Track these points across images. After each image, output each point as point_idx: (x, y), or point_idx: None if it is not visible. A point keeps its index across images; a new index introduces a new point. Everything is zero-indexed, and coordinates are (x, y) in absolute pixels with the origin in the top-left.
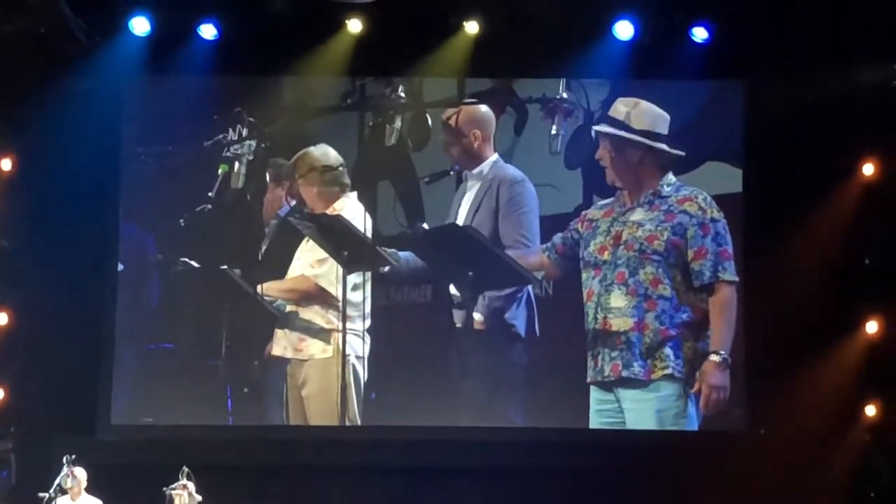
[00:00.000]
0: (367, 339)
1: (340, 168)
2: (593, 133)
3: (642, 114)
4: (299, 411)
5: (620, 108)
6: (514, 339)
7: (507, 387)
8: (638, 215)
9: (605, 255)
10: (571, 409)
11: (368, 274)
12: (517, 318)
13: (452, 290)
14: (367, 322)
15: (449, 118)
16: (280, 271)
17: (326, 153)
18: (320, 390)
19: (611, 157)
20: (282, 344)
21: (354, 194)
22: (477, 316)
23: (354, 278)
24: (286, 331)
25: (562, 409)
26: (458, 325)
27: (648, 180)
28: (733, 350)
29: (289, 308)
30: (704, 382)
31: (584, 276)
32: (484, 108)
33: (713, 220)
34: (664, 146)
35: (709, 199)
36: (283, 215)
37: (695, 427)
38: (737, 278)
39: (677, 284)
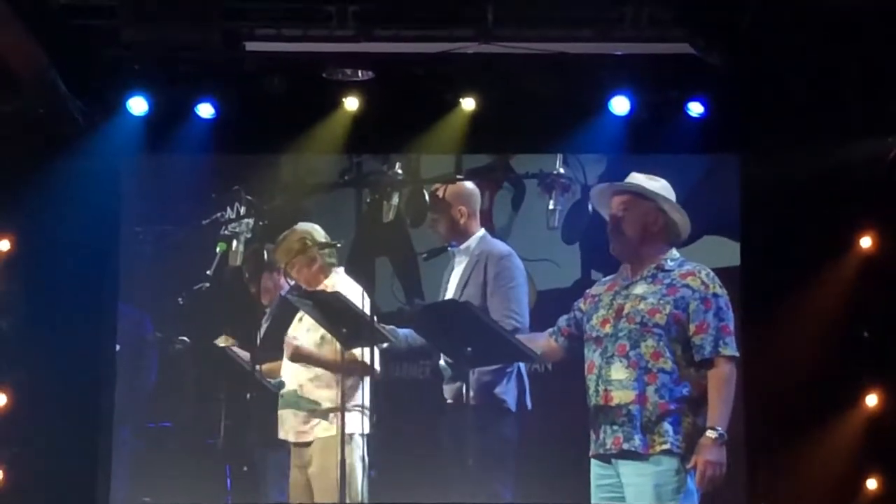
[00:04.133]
0: (369, 416)
1: (327, 244)
2: (592, 199)
3: (660, 186)
4: (303, 491)
5: (639, 176)
6: (504, 413)
7: (498, 462)
8: (640, 289)
9: (607, 329)
10: (571, 485)
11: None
12: (507, 392)
13: (442, 363)
14: (368, 398)
15: (435, 192)
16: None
17: (311, 230)
18: (324, 470)
19: (628, 217)
20: (284, 427)
21: (342, 269)
22: (465, 391)
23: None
24: (289, 412)
25: (561, 485)
26: (449, 400)
27: (654, 253)
28: (732, 423)
29: (289, 387)
30: (700, 458)
31: (586, 349)
32: (469, 184)
33: (715, 295)
34: (683, 213)
35: (711, 274)
36: (283, 294)
37: (695, 502)
38: (737, 354)
39: (678, 359)
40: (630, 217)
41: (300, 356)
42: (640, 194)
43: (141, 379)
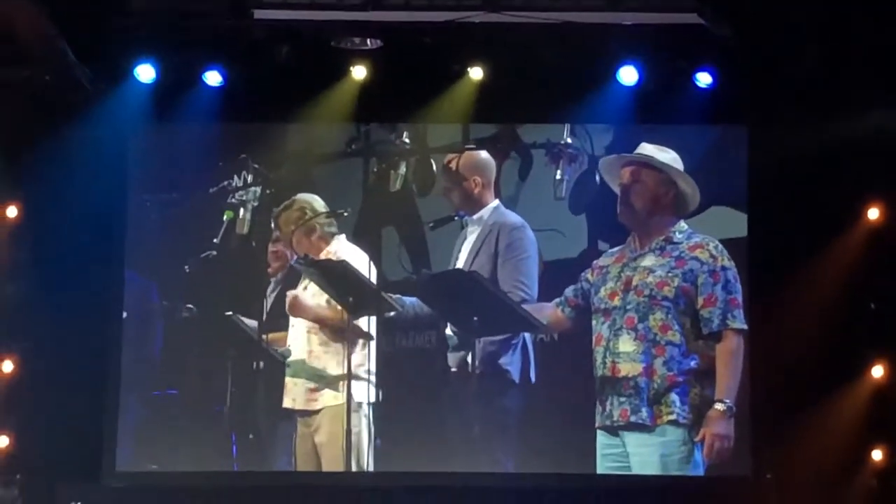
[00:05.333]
0: (375, 385)
1: (329, 213)
2: (602, 170)
3: (671, 158)
4: (310, 459)
5: (649, 147)
6: (508, 384)
7: (501, 432)
8: (649, 261)
9: (616, 301)
10: (574, 455)
11: (374, 319)
12: (512, 363)
13: (448, 332)
14: (374, 367)
15: (449, 163)
16: (287, 321)
17: (311, 201)
18: (332, 438)
19: (638, 188)
20: (290, 396)
21: (343, 237)
22: (470, 360)
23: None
24: (295, 381)
25: (564, 455)
26: (454, 369)
27: (663, 225)
28: (739, 394)
29: (297, 356)
30: (708, 430)
31: (594, 321)
32: (484, 153)
33: (724, 267)
34: (693, 185)
35: (720, 246)
36: (292, 263)
37: (700, 472)
38: (745, 327)
39: (686, 331)
40: (640, 188)
41: (298, 308)
42: (651, 165)
43: (147, 346)
